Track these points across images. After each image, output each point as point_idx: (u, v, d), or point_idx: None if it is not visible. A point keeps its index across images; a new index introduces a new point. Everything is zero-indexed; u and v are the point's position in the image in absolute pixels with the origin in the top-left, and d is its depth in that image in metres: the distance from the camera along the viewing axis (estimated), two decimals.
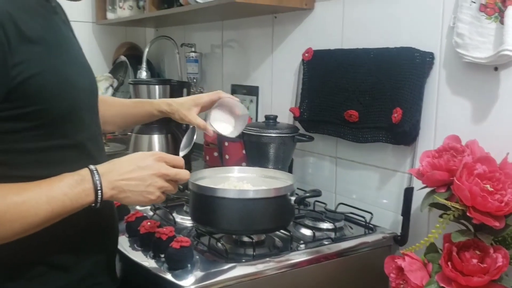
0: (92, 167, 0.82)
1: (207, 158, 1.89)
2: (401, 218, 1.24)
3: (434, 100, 1.21)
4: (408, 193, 1.22)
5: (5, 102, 0.74)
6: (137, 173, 0.85)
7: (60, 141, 0.85)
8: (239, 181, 1.23)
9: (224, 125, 1.20)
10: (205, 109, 1.20)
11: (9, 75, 0.73)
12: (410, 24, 1.26)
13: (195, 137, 1.15)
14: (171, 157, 0.91)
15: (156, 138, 1.83)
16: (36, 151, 0.82)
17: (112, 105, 1.23)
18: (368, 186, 1.41)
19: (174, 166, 0.90)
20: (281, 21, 1.70)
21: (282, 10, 1.63)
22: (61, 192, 0.77)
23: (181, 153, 1.09)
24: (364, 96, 1.33)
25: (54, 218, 0.78)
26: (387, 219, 1.34)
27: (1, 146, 0.77)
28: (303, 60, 1.54)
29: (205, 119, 1.18)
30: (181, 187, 1.03)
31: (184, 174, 0.91)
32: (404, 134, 1.22)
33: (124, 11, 2.24)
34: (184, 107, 1.18)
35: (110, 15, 2.37)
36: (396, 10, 1.29)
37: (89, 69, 0.98)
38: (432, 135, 1.22)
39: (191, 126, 1.17)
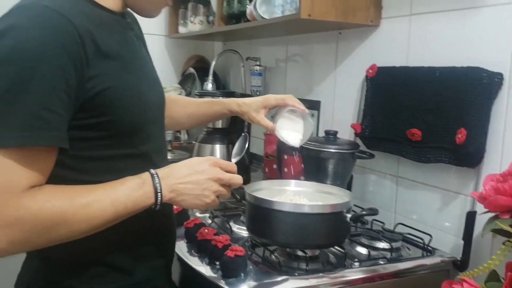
0: (152, 171, 0.87)
1: (266, 170, 1.92)
2: (462, 242, 1.20)
3: (501, 122, 1.17)
4: (470, 217, 1.18)
5: (80, 112, 0.80)
6: (194, 177, 0.89)
7: (128, 150, 0.90)
8: (295, 195, 1.24)
9: (289, 133, 1.24)
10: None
11: (85, 87, 0.79)
12: (479, 43, 1.22)
13: (247, 144, 1.20)
14: (225, 162, 0.94)
15: (218, 148, 1.90)
16: (104, 159, 0.87)
17: (185, 106, 1.31)
18: (429, 207, 1.37)
19: (227, 172, 0.93)
20: (346, 37, 1.71)
21: (347, 27, 1.64)
22: (124, 194, 0.82)
23: (233, 160, 1.15)
24: (428, 115, 1.30)
25: (117, 219, 0.82)
26: (447, 242, 1.29)
27: (73, 152, 0.82)
28: (366, 76, 1.53)
29: (272, 120, 1.23)
30: (238, 197, 1.06)
31: (237, 178, 0.94)
32: (468, 156, 1.18)
33: (194, 26, 2.34)
34: (252, 108, 1.23)
35: (181, 29, 2.49)
36: (463, 29, 1.26)
37: (159, 84, 1.04)
38: (498, 158, 1.17)
39: (243, 134, 1.21)
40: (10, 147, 0.72)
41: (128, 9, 0.98)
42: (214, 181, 0.91)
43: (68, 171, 0.84)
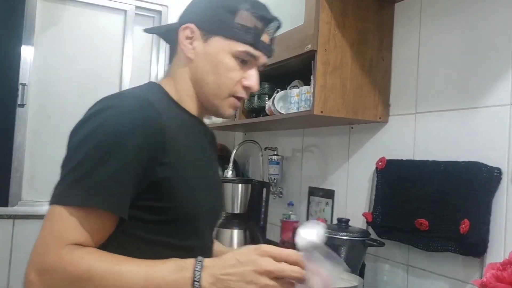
0: (199, 258, 0.82)
1: None
2: None
3: (503, 213, 1.24)
4: None
5: (144, 192, 0.87)
6: (238, 268, 0.79)
7: (174, 240, 0.92)
8: None
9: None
10: None
11: (155, 170, 0.86)
12: (478, 140, 1.33)
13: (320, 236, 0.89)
14: (278, 251, 0.81)
15: (236, 233, 1.97)
16: (150, 242, 0.90)
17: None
18: None
19: (284, 261, 0.81)
20: (357, 131, 1.83)
21: (358, 122, 1.77)
22: (160, 273, 0.79)
23: (301, 249, 0.87)
24: (434, 206, 1.38)
25: None
26: None
27: (123, 228, 0.86)
28: (376, 168, 1.64)
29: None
30: None
31: (290, 271, 0.79)
32: (472, 246, 1.24)
33: (218, 118, 2.52)
34: None
35: (206, 121, 2.67)
36: (464, 126, 1.37)
37: (219, 190, 1.12)
38: (501, 248, 1.23)
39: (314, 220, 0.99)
40: (69, 205, 0.80)
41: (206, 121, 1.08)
42: (261, 274, 0.78)
43: (113, 244, 0.86)
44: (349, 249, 1.49)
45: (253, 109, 2.17)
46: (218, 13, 0.98)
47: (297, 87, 1.82)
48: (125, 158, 0.83)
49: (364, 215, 1.63)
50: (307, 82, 1.74)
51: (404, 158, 1.55)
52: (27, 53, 2.59)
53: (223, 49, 0.98)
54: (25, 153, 2.59)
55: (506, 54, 1.27)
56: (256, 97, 2.09)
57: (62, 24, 2.70)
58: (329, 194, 1.95)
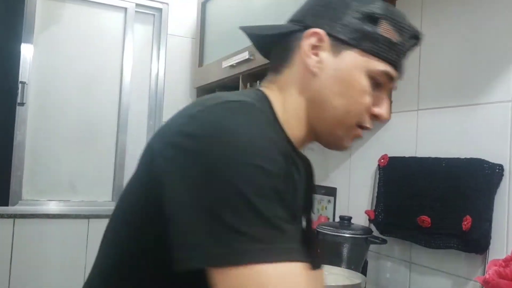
0: None
1: None
2: None
3: (505, 210, 1.24)
4: None
5: None
6: None
7: None
8: None
9: None
10: None
11: None
12: (480, 137, 1.33)
13: None
14: None
15: None
16: None
17: None
18: None
19: None
20: None
21: None
22: None
23: None
24: (436, 202, 1.38)
25: None
26: None
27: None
28: (379, 165, 1.63)
29: None
30: None
31: None
32: (475, 242, 1.24)
33: None
34: None
35: None
36: (466, 123, 1.37)
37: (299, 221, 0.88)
38: (504, 245, 1.23)
39: None
40: (293, 260, 0.58)
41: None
42: None
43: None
44: (351, 246, 1.49)
45: None
46: (355, 20, 0.77)
47: None
48: (287, 199, 0.63)
49: (366, 212, 1.63)
50: None
51: (406, 155, 1.55)
52: (26, 51, 2.58)
53: (358, 66, 0.77)
54: (25, 152, 2.59)
55: (508, 50, 1.27)
56: None
57: (62, 22, 2.69)
58: (331, 191, 1.95)
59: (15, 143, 2.56)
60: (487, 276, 1.04)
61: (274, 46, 0.84)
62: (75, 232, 2.57)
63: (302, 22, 0.80)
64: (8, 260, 2.47)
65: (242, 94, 0.75)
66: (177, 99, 2.89)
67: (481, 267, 1.27)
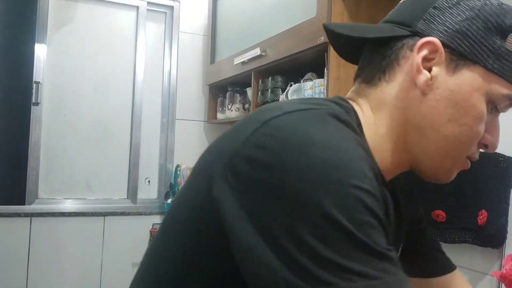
0: None
1: None
2: None
3: None
4: None
5: None
6: None
7: None
8: None
9: None
10: None
11: None
12: None
13: None
14: None
15: None
16: None
17: None
18: None
19: None
20: None
21: None
22: None
23: None
24: (450, 197, 1.36)
25: None
26: None
27: None
28: None
29: None
30: None
31: None
32: (490, 237, 1.22)
33: (231, 113, 2.54)
34: None
35: (219, 116, 2.70)
36: None
37: None
38: None
39: None
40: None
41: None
42: None
43: None
44: None
45: (267, 103, 2.16)
46: (480, 31, 0.62)
47: (311, 80, 1.81)
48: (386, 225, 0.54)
49: None
50: (320, 75, 1.73)
51: None
52: (40, 51, 2.61)
53: (479, 88, 0.63)
54: (40, 151, 2.62)
55: None
56: (269, 91, 2.08)
57: (75, 21, 2.71)
58: None
59: (30, 142, 2.59)
60: (504, 271, 1.03)
61: (367, 50, 0.70)
62: (91, 229, 2.60)
63: (410, 26, 0.65)
64: (25, 258, 2.51)
65: (325, 102, 0.63)
66: (190, 96, 2.91)
67: (497, 262, 1.26)
